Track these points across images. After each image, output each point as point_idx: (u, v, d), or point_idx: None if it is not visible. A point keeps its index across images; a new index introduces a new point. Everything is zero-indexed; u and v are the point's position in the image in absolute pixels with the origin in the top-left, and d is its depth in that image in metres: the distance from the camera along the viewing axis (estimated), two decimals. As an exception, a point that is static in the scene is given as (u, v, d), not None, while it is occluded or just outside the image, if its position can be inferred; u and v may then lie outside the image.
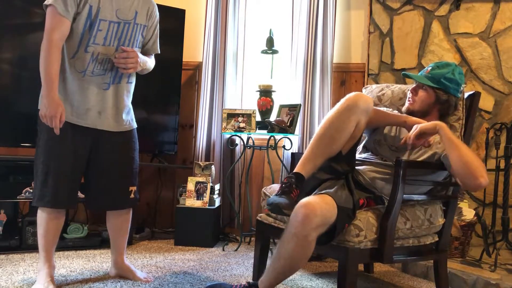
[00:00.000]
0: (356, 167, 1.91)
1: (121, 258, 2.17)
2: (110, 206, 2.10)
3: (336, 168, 1.74)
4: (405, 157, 1.87)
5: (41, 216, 1.97)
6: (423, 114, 1.91)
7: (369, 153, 1.99)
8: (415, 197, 1.83)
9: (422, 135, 1.70)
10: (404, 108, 1.99)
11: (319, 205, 1.56)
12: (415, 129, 1.71)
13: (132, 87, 2.09)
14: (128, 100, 2.08)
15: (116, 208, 2.11)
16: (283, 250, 1.62)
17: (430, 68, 1.93)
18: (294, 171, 1.70)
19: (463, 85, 1.93)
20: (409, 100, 1.96)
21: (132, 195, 2.10)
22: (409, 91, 1.99)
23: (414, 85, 1.97)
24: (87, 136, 1.96)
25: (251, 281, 1.89)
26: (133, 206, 2.15)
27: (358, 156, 2.00)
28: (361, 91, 3.04)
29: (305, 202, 1.57)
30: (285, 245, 1.61)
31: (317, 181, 1.73)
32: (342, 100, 1.73)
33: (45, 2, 1.85)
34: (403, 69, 2.98)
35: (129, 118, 2.09)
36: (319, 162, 1.70)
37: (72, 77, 1.91)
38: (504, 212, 2.47)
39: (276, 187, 2.02)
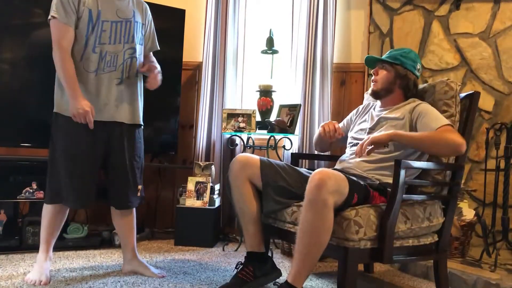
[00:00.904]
0: (347, 163, 2.00)
1: (133, 254, 2.21)
2: (119, 204, 2.14)
3: None
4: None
5: (48, 210, 2.06)
6: (386, 92, 2.03)
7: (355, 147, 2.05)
8: (415, 197, 1.84)
9: (375, 144, 1.77)
10: (369, 91, 2.11)
11: (331, 172, 1.65)
12: (366, 139, 1.78)
13: (141, 82, 2.17)
14: (140, 95, 2.17)
15: (124, 207, 2.15)
16: (303, 223, 1.63)
17: (387, 52, 2.09)
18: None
19: (419, 64, 2.06)
20: (372, 82, 2.07)
21: (139, 194, 2.16)
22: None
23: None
24: (103, 132, 2.03)
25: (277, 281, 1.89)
26: (140, 204, 2.20)
27: (346, 152, 2.10)
28: (363, 91, 3.07)
29: (318, 170, 1.63)
30: (305, 217, 1.62)
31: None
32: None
33: (49, 17, 1.96)
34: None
35: (139, 114, 2.17)
36: None
37: (86, 77, 2.00)
38: (504, 212, 2.47)
39: None
